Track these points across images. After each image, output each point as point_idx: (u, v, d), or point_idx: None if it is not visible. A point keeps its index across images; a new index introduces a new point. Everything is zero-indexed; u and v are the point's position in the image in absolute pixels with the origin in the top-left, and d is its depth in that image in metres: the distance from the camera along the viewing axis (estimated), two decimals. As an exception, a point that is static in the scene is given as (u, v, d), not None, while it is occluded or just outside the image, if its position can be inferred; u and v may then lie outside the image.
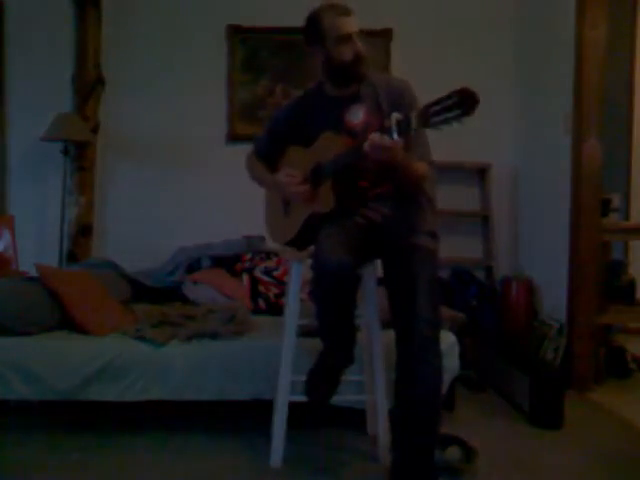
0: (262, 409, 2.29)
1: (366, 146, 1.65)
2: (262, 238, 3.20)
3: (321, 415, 2.40)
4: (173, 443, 2.23)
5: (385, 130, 1.63)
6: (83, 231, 3.46)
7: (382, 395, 2.04)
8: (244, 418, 2.44)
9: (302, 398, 1.96)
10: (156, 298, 2.88)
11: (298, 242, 2.04)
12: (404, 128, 1.58)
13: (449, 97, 1.43)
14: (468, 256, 3.64)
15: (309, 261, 1.97)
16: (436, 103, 1.46)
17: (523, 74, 3.59)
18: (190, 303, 2.80)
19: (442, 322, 1.92)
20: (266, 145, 2.14)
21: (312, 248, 1.88)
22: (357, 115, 1.90)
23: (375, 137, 1.64)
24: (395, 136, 1.60)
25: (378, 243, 1.89)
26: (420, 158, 1.85)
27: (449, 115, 1.43)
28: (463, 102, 1.40)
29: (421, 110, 1.51)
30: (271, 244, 2.27)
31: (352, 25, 1.85)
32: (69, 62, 3.48)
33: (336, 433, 2.31)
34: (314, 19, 1.89)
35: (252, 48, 3.57)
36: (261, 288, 3.01)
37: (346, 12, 1.86)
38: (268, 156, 2.14)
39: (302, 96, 2.07)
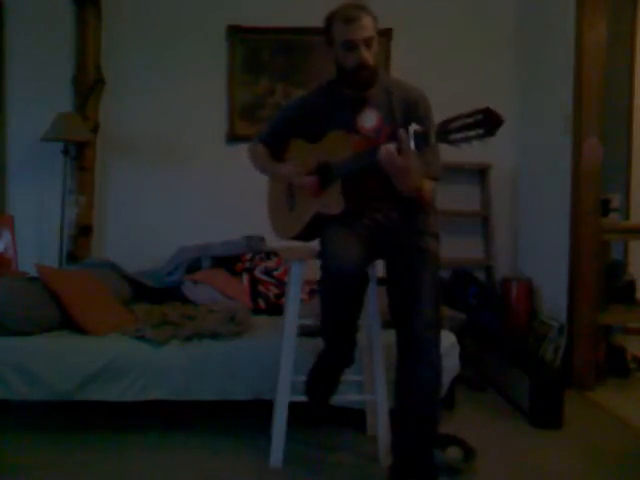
0: (262, 409, 2.29)
1: (380, 155, 1.64)
2: (262, 238, 3.20)
3: (321, 415, 2.40)
4: (173, 443, 2.23)
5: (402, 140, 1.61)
6: (83, 231, 3.46)
7: (382, 395, 2.04)
8: (244, 418, 2.44)
9: (302, 398, 1.96)
10: (156, 298, 2.88)
11: (304, 236, 2.04)
12: (421, 141, 1.56)
13: (471, 115, 1.40)
14: (468, 256, 3.64)
15: (310, 261, 1.97)
16: (457, 119, 1.43)
17: (523, 74, 3.59)
18: (190, 303, 2.80)
19: (442, 323, 1.92)
20: (269, 138, 2.12)
21: (319, 249, 1.87)
22: (370, 120, 1.88)
23: (390, 150, 1.62)
24: (412, 146, 1.58)
25: (382, 244, 1.89)
26: (427, 174, 1.82)
27: (470, 133, 1.39)
28: (486, 121, 1.37)
29: (440, 125, 1.48)
30: (274, 240, 2.25)
31: (358, 32, 1.77)
32: (69, 62, 3.48)
33: (336, 433, 2.31)
34: (327, 21, 1.86)
35: (252, 48, 3.56)
36: (261, 288, 3.01)
37: (354, 18, 1.77)
38: (271, 149, 2.11)
39: (310, 93, 2.05)
